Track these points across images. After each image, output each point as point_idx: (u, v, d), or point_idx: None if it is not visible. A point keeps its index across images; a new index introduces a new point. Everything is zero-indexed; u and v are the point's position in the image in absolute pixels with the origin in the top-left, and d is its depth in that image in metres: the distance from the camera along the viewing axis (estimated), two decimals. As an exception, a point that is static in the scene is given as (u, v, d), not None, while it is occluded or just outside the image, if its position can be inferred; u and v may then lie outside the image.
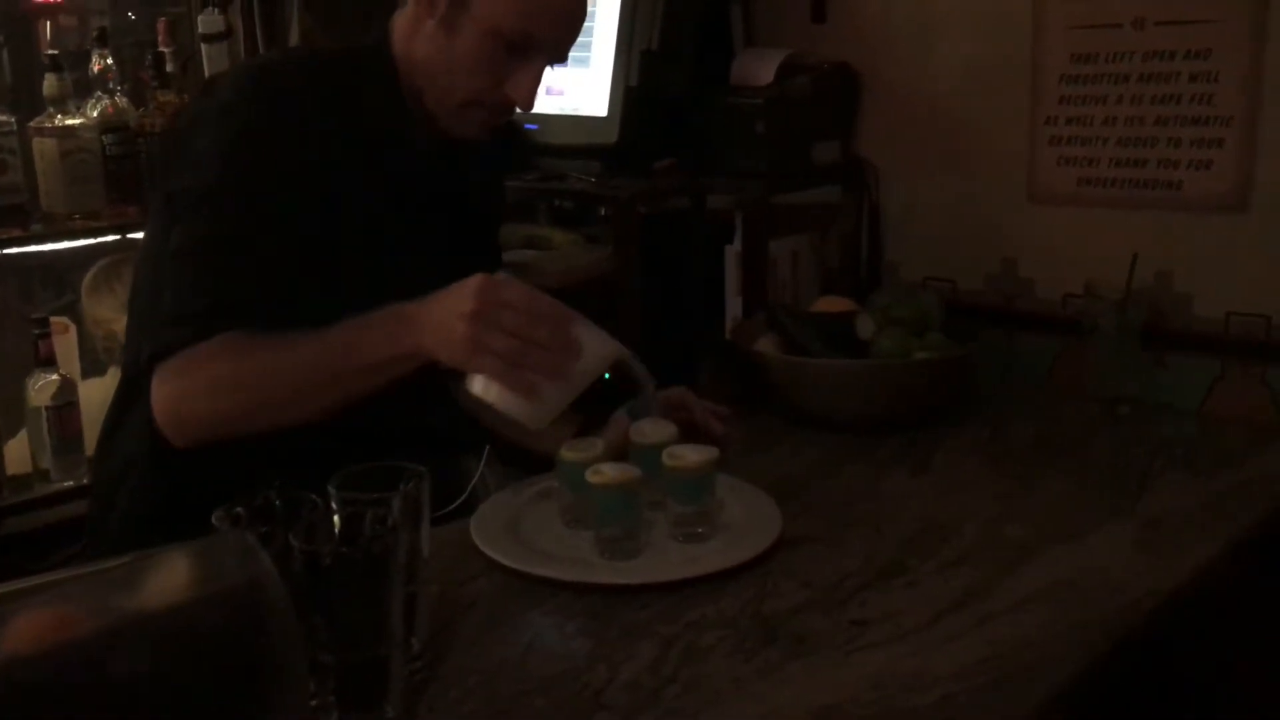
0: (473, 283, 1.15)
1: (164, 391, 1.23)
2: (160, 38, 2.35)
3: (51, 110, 2.10)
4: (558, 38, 1.35)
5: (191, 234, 1.26)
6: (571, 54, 2.04)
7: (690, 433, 1.40)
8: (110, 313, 2.12)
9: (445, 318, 1.15)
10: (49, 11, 2.56)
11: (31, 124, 2.09)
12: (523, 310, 1.14)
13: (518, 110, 1.38)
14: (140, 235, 1.64)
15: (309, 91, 1.31)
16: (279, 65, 1.39)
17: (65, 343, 2.08)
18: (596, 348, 1.16)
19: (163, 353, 1.23)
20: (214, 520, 0.96)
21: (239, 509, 0.98)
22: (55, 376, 1.99)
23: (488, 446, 2.28)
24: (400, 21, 1.37)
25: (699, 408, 1.48)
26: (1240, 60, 1.61)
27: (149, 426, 1.27)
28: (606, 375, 1.97)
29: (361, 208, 1.33)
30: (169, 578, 0.84)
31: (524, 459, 1.56)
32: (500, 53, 1.31)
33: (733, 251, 1.90)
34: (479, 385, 1.16)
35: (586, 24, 2.01)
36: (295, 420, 1.22)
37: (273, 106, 1.28)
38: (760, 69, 1.96)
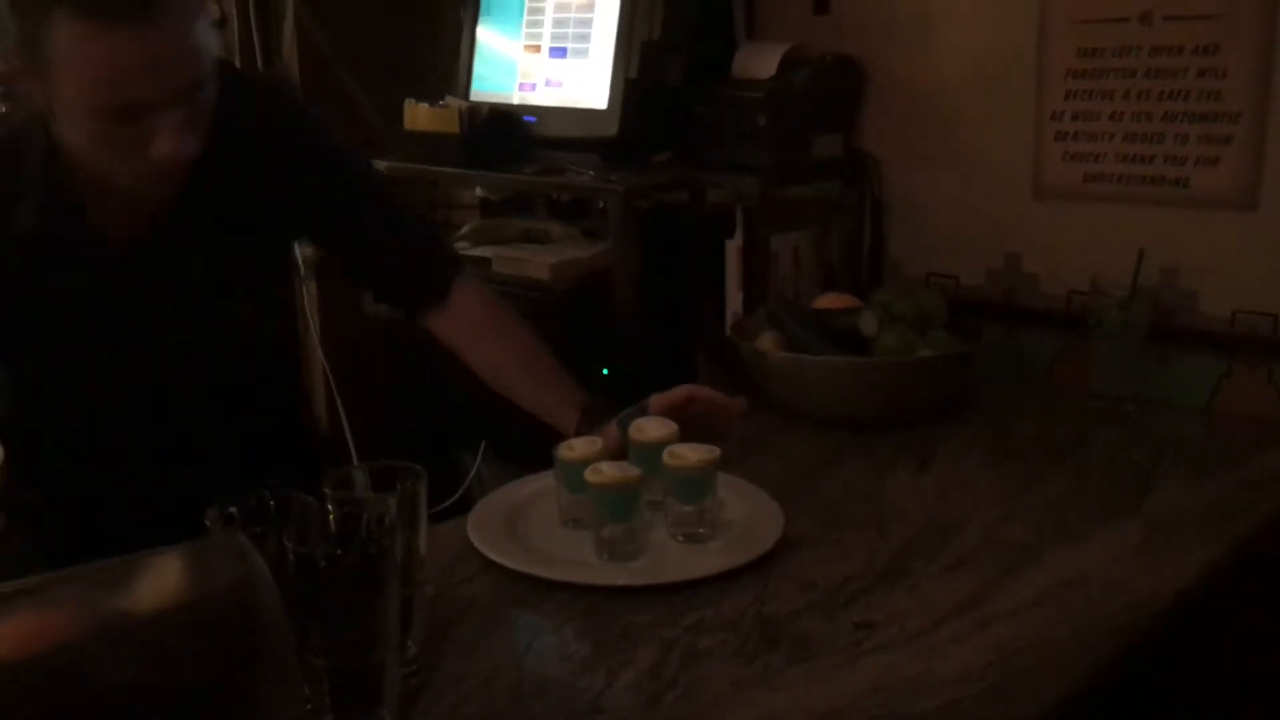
0: None
1: None
2: (155, 26, 2.33)
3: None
4: (160, 86, 1.15)
5: None
6: (571, 45, 2.04)
7: (697, 428, 1.37)
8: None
9: None
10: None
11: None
12: None
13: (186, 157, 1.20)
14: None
15: None
16: None
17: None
18: None
19: None
20: (207, 521, 0.95)
21: (232, 509, 0.96)
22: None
23: (483, 442, 2.27)
24: None
25: (713, 394, 1.43)
26: (1249, 56, 1.59)
27: None
28: (605, 371, 1.96)
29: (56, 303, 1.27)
30: (160, 580, 0.82)
31: (522, 454, 1.54)
32: (119, 126, 1.16)
33: (733, 246, 1.88)
34: None
35: (586, 14, 2.01)
36: None
37: None
38: (762, 61, 1.93)
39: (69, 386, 1.33)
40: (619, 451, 1.32)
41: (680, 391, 1.40)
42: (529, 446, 1.45)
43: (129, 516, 1.29)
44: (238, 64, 2.41)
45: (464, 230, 2.20)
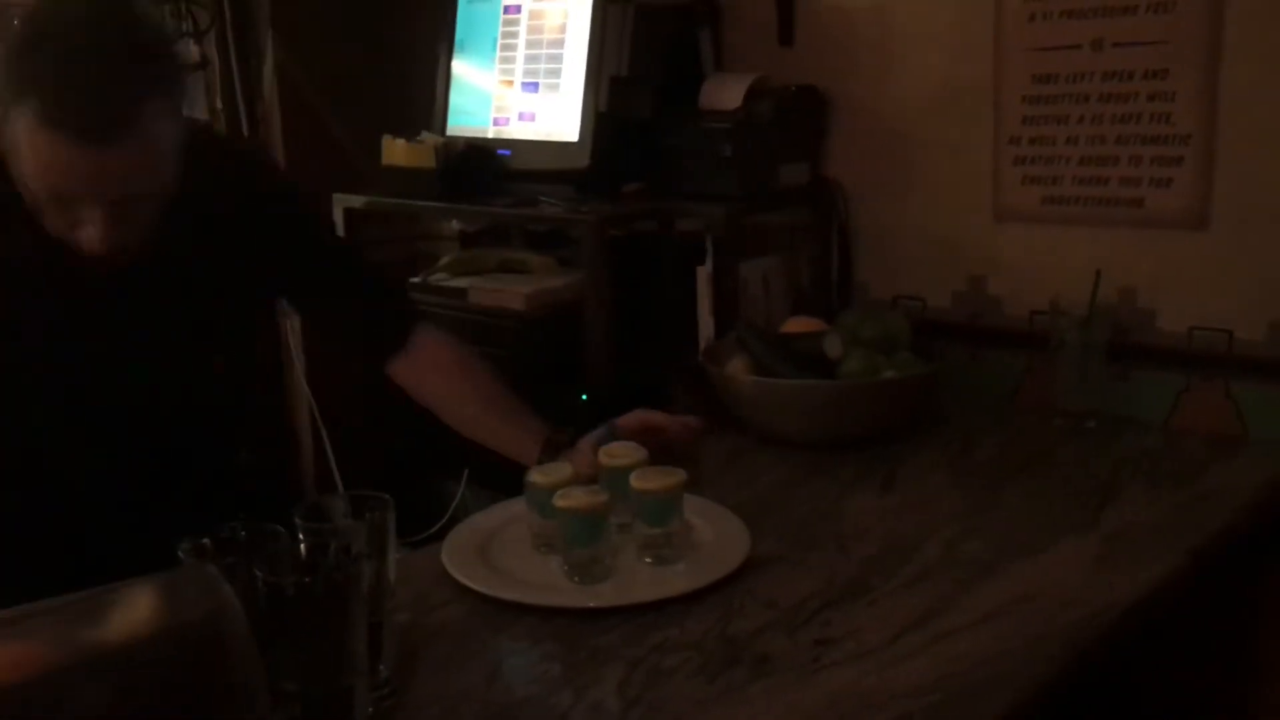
0: None
1: None
2: (136, 69, 2.37)
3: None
4: (101, 193, 1.18)
5: None
6: (542, 80, 2.08)
7: (665, 454, 1.40)
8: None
9: None
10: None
11: (8, 156, 2.10)
12: None
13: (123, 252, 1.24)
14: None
15: None
16: None
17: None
18: None
19: None
20: (180, 553, 0.98)
21: (205, 540, 0.99)
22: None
23: (466, 470, 2.30)
24: None
25: (663, 420, 1.46)
26: (1196, 79, 1.64)
27: None
28: (585, 396, 2.00)
29: (40, 323, 1.30)
30: (132, 611, 0.85)
31: (504, 481, 1.57)
32: (52, 203, 1.20)
33: (704, 273, 1.92)
34: None
35: (557, 50, 2.05)
36: None
37: None
38: (728, 93, 1.98)
39: (42, 419, 1.35)
40: (593, 473, 1.35)
41: (633, 417, 1.45)
42: (510, 473, 1.49)
43: (103, 550, 1.33)
44: (219, 104, 2.46)
45: (442, 262, 2.24)
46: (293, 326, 2.55)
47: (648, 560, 1.30)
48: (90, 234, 1.20)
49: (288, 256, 1.47)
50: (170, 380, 1.38)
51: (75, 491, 1.38)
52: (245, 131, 2.45)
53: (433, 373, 1.54)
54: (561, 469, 1.35)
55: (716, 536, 1.35)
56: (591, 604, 1.22)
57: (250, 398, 1.51)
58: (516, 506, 1.42)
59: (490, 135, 2.16)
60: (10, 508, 1.39)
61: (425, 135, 2.16)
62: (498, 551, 1.35)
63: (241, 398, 1.51)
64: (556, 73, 2.04)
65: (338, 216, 2.25)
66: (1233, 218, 1.65)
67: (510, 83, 2.13)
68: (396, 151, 2.16)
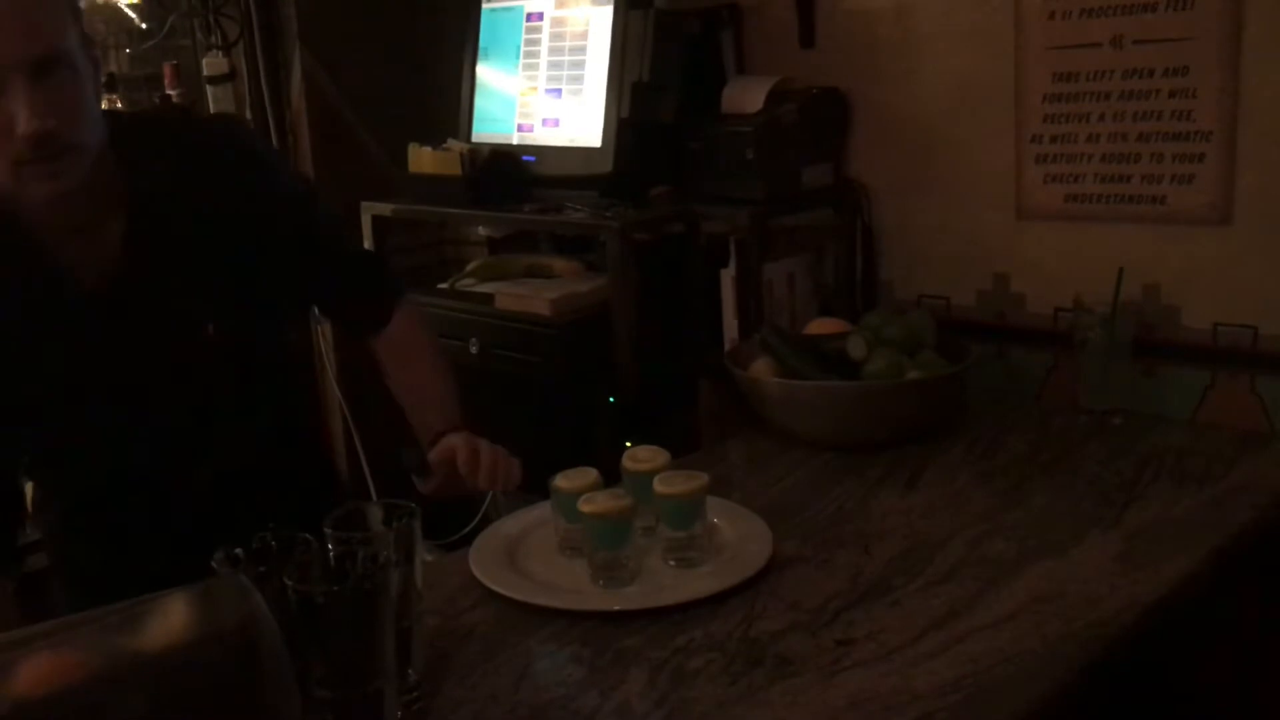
0: None
1: None
2: (167, 80, 2.42)
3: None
4: (17, 56, 1.17)
5: None
6: (565, 86, 2.11)
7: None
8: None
9: None
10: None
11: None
12: None
13: (54, 136, 1.20)
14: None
15: None
16: None
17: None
18: None
19: None
20: (213, 563, 1.01)
21: (238, 550, 1.02)
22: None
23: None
24: None
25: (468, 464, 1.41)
26: (1217, 76, 1.63)
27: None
28: (612, 399, 2.02)
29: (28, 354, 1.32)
30: (168, 620, 0.88)
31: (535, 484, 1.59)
32: None
33: (728, 275, 1.94)
34: None
35: (579, 56, 2.07)
36: None
37: None
38: (750, 96, 1.99)
39: (72, 429, 1.38)
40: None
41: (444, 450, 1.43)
42: (540, 477, 1.51)
43: (149, 550, 1.37)
44: (248, 114, 2.50)
45: (470, 267, 2.27)
46: (323, 331, 2.59)
47: (672, 563, 1.32)
48: (25, 117, 1.17)
49: (266, 227, 1.42)
50: (167, 357, 1.38)
51: (111, 489, 1.42)
52: (275, 141, 2.49)
53: (393, 353, 1.55)
54: (586, 474, 1.37)
55: (740, 538, 1.37)
56: (617, 607, 1.24)
57: (257, 379, 1.47)
58: (543, 511, 1.44)
59: (515, 142, 2.18)
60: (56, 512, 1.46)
61: (451, 143, 2.19)
62: (525, 556, 1.38)
63: (248, 371, 1.45)
64: (579, 79, 2.06)
65: (366, 224, 2.29)
66: (1256, 213, 1.65)
67: (534, 89, 2.16)
68: (423, 159, 2.19)
